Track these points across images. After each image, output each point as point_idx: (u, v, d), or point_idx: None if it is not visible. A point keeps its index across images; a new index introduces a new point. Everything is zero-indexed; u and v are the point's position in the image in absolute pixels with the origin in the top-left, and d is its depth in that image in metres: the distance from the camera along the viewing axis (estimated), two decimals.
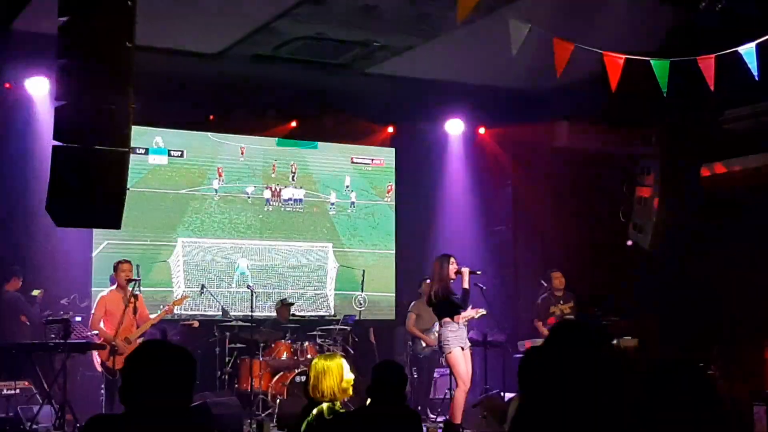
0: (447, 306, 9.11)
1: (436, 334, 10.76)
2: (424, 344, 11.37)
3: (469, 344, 9.27)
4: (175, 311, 10.44)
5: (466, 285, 9.20)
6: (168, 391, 2.97)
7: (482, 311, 10.26)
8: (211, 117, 12.03)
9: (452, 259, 9.24)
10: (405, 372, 5.22)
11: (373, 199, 13.43)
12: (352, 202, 13.28)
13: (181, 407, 3.01)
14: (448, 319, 9.08)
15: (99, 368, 9.42)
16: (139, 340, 9.31)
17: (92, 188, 7.16)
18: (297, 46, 10.48)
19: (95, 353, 9.43)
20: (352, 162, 13.34)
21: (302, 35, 10.15)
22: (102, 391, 9.38)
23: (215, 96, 11.74)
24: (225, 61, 10.93)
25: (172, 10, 9.29)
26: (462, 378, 9.04)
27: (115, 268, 9.74)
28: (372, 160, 13.46)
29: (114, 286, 9.74)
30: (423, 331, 11.39)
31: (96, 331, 9.43)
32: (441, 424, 9.99)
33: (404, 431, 5.07)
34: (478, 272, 9.51)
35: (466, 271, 9.20)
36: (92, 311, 9.64)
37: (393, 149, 13.50)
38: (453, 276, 9.17)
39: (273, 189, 12.79)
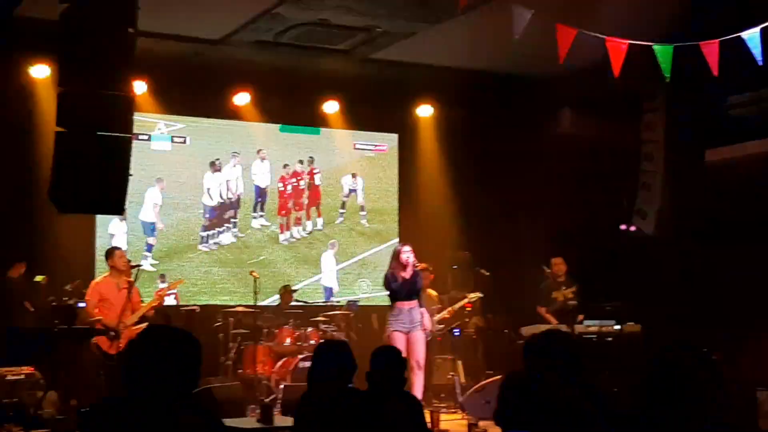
0: (389, 293, 9.66)
1: (434, 319, 10.91)
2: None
3: (417, 328, 9.56)
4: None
5: (407, 275, 9.54)
6: (172, 376, 2.96)
7: (478, 294, 10.31)
8: (214, 103, 12.00)
9: (404, 249, 9.68)
10: (403, 357, 5.24)
11: (375, 184, 13.42)
12: (354, 189, 13.28)
13: (186, 392, 3.00)
14: (395, 304, 9.57)
15: (99, 354, 9.44)
16: (140, 327, 9.34)
17: (95, 174, 7.17)
18: (299, 32, 10.47)
19: (95, 339, 9.45)
20: (355, 148, 13.33)
21: (304, 21, 10.14)
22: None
23: (218, 82, 11.72)
24: (227, 47, 10.92)
25: None
26: None
27: (109, 255, 9.75)
28: (375, 146, 13.45)
29: (108, 273, 9.76)
30: None
31: (100, 317, 9.44)
32: (443, 409, 10.03)
33: (405, 415, 5.08)
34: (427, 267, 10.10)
35: (411, 261, 9.56)
36: (86, 298, 9.63)
37: (396, 135, 13.48)
38: (404, 263, 9.54)
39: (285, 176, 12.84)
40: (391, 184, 13.49)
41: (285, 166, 12.82)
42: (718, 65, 7.25)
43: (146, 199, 11.85)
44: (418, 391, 9.44)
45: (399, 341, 9.40)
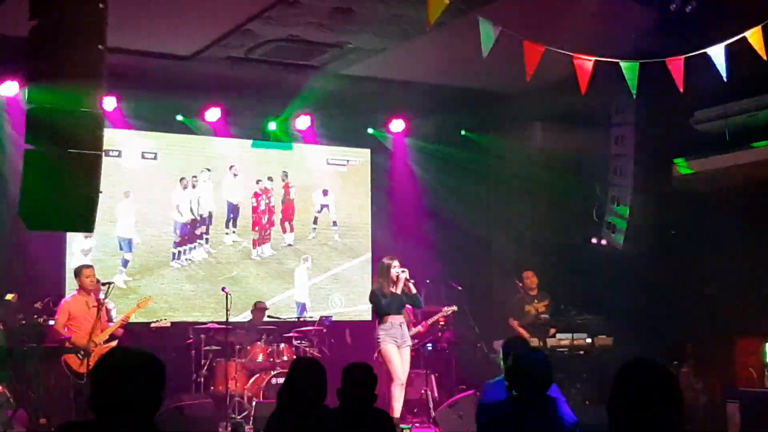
0: (377, 308, 9.66)
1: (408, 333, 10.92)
2: None
3: (406, 343, 9.63)
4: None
5: (398, 290, 9.55)
6: (136, 398, 2.97)
7: (453, 308, 10.35)
8: (185, 119, 11.99)
9: (394, 264, 9.63)
10: (374, 373, 5.24)
11: (348, 199, 13.43)
12: (326, 205, 13.28)
13: (150, 413, 3.01)
14: (385, 318, 9.55)
15: (68, 372, 9.39)
16: (110, 345, 9.31)
17: (64, 192, 7.13)
18: (270, 48, 10.48)
19: (64, 358, 9.39)
20: (328, 163, 13.35)
21: (276, 37, 10.15)
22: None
23: (189, 98, 11.70)
24: (198, 63, 10.90)
25: (145, 12, 9.26)
26: (395, 373, 9.42)
27: (78, 273, 9.74)
28: (348, 161, 13.46)
29: (76, 291, 9.73)
30: None
31: (70, 336, 9.40)
32: (416, 423, 10.03)
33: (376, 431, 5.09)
34: (412, 281, 9.77)
35: (402, 277, 9.54)
36: (56, 317, 9.60)
37: (368, 150, 13.51)
38: (394, 278, 9.53)
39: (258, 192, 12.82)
40: (364, 199, 13.51)
41: (258, 181, 12.81)
42: (684, 81, 7.33)
43: (120, 214, 11.78)
44: (398, 405, 9.44)
45: (394, 354, 9.41)
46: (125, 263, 11.80)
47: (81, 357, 9.28)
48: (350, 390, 5.10)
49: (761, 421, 8.70)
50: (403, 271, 9.60)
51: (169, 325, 10.91)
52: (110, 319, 10.14)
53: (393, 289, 9.54)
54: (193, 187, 12.37)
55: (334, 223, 13.32)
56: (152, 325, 10.69)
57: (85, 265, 9.92)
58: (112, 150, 11.48)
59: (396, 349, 9.48)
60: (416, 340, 11.26)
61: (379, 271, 9.83)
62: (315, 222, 13.21)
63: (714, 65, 7.40)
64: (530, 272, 11.69)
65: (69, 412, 9.07)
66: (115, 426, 2.96)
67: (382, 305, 9.55)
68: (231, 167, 12.63)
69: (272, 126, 12.60)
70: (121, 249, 11.80)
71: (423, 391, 10.72)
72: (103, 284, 9.60)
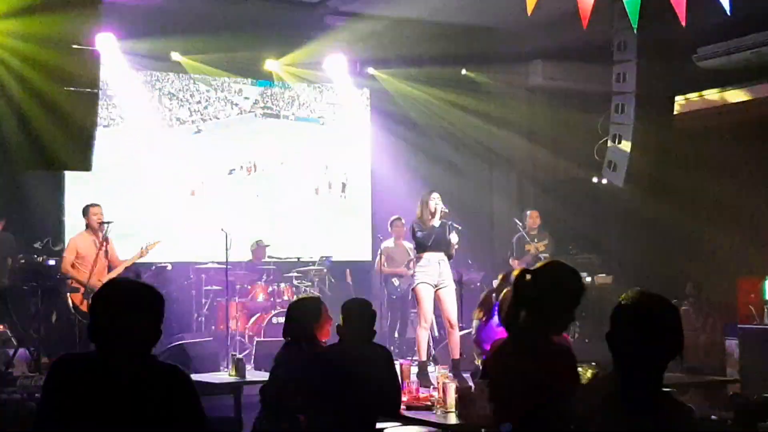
0: (415, 242, 9.14)
1: (408, 272, 10.90)
2: (397, 283, 11.39)
3: (446, 283, 9.00)
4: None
5: (436, 223, 8.99)
6: (134, 328, 2.97)
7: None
8: (178, 54, 11.80)
9: (432, 196, 9.05)
10: (374, 309, 5.23)
11: (347, 126, 13.33)
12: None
13: (149, 344, 3.01)
14: (420, 255, 9.03)
15: (72, 311, 9.41)
16: None
17: (61, 130, 7.11)
18: None
19: (69, 296, 9.40)
20: (325, 101, 13.24)
21: None
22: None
23: (182, 33, 11.39)
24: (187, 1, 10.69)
25: None
26: (422, 314, 9.01)
27: (85, 212, 9.67)
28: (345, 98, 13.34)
29: (84, 230, 9.68)
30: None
31: (70, 275, 9.40)
32: (416, 362, 10.05)
33: (375, 367, 5.10)
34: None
35: (438, 208, 8.98)
36: (64, 254, 9.60)
37: (368, 90, 13.37)
38: (432, 210, 8.93)
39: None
40: (363, 150, 13.37)
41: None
42: (687, 16, 7.21)
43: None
44: (455, 349, 8.92)
45: (426, 294, 8.86)
46: None
47: (85, 296, 9.28)
48: (348, 325, 5.12)
49: (760, 356, 8.73)
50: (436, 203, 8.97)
51: (169, 267, 10.84)
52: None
53: (432, 223, 8.90)
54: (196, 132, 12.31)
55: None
56: (155, 265, 10.64)
57: (92, 204, 9.80)
58: (109, 88, 11.36)
59: (430, 290, 8.89)
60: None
61: (420, 205, 9.09)
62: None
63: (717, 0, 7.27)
64: (535, 212, 11.65)
65: (72, 350, 9.11)
66: (115, 357, 2.96)
67: (417, 238, 8.95)
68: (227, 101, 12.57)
69: (272, 65, 12.44)
70: None
71: None
72: (101, 223, 9.55)
